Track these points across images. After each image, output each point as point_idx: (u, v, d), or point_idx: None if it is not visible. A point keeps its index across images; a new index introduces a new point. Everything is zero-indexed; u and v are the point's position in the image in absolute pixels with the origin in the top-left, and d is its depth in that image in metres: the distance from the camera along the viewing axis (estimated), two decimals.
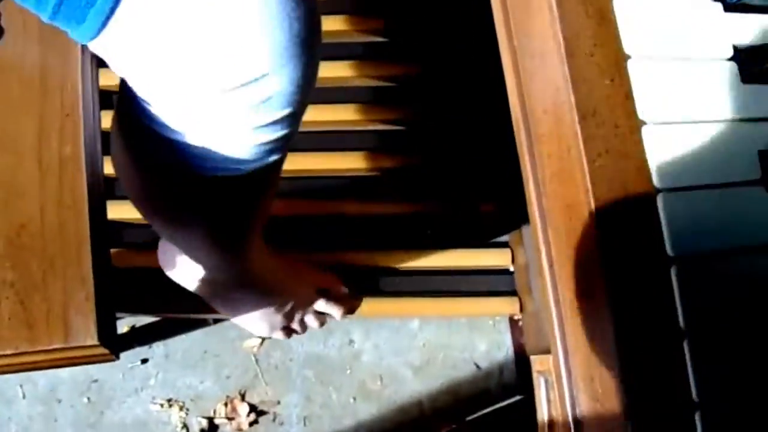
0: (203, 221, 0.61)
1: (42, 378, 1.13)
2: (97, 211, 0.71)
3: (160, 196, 0.57)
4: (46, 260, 0.66)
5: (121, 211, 1.05)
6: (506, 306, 1.04)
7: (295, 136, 0.51)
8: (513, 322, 1.15)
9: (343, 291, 0.99)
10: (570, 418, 0.52)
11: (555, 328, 0.54)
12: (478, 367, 1.16)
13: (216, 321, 1.16)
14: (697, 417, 0.50)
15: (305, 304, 0.96)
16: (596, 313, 0.52)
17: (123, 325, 1.15)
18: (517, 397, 1.12)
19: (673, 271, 0.52)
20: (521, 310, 1.03)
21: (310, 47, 0.44)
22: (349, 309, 1.00)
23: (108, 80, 1.06)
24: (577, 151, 0.53)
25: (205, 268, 0.80)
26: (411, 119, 1.10)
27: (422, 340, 1.17)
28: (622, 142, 0.53)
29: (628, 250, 0.52)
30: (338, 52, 1.11)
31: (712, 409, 0.51)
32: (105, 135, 1.06)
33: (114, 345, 0.72)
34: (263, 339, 1.16)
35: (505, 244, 1.06)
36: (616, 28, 0.55)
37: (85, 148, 0.70)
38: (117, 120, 0.53)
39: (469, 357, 1.16)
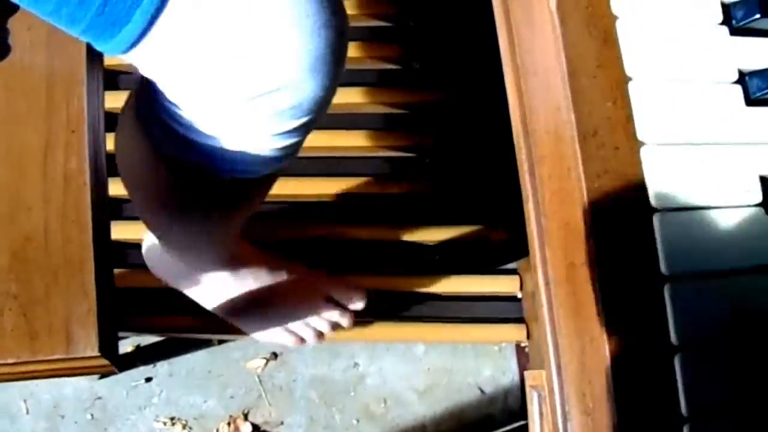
0: (205, 213, 0.61)
1: (46, 394, 1.13)
2: (100, 226, 0.72)
3: (167, 189, 0.58)
4: (49, 273, 0.67)
5: (126, 231, 1.06)
6: (513, 333, 1.04)
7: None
8: (519, 348, 1.15)
9: (352, 292, 0.98)
10: None
11: (549, 343, 0.54)
12: (482, 392, 1.15)
13: (220, 342, 1.16)
14: (686, 430, 0.51)
15: (310, 305, 0.95)
16: (589, 330, 0.52)
17: (127, 344, 1.16)
18: (521, 423, 1.12)
19: (666, 289, 0.52)
20: (528, 336, 1.03)
21: (341, 57, 0.45)
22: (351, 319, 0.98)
23: (113, 102, 1.07)
24: (577, 172, 0.54)
25: (193, 259, 0.81)
26: (422, 146, 1.11)
27: (427, 365, 1.16)
28: (622, 163, 0.53)
29: (624, 269, 0.53)
30: (352, 78, 1.12)
31: (700, 423, 0.51)
32: (110, 156, 1.08)
33: (115, 357, 0.72)
34: (267, 360, 1.16)
35: (513, 271, 1.07)
36: (618, 49, 0.55)
37: (90, 164, 0.71)
38: (134, 109, 0.54)
39: (474, 382, 1.16)
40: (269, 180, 0.58)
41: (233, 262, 0.87)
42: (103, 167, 0.74)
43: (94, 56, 0.71)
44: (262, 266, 0.89)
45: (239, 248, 0.87)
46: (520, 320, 1.04)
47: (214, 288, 0.89)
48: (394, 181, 1.09)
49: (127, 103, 0.56)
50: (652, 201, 0.53)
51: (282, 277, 0.92)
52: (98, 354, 0.65)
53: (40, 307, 0.65)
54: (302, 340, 0.96)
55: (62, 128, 0.68)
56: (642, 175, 0.53)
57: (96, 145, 0.72)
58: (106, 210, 0.71)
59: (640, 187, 0.53)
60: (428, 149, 1.11)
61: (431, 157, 1.11)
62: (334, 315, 0.96)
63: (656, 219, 0.52)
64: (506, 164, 0.93)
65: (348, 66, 1.12)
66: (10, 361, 0.64)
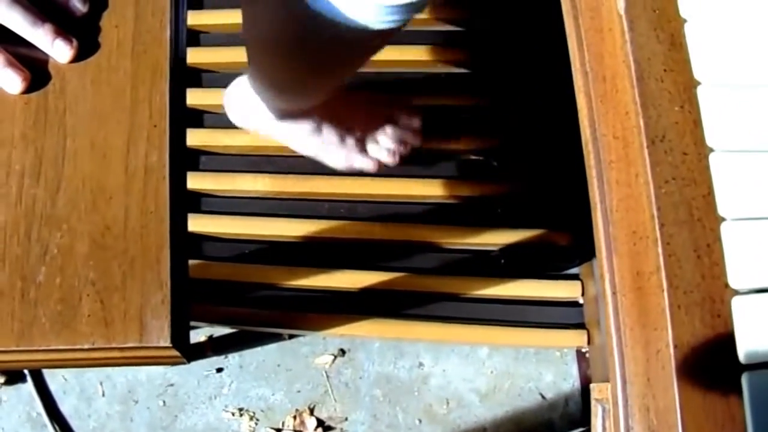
0: (321, 59, 0.64)
1: (121, 378, 1.17)
2: (177, 219, 0.73)
3: (294, 38, 0.60)
4: (126, 262, 0.67)
5: (202, 224, 1.09)
6: (574, 338, 1.04)
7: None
8: (580, 355, 1.14)
9: (411, 118, 1.03)
10: None
11: (615, 356, 0.53)
12: (543, 397, 1.15)
13: (291, 336, 1.18)
14: None
15: (375, 126, 1.00)
16: (655, 341, 0.52)
17: (201, 335, 1.18)
18: (581, 429, 1.11)
19: (734, 303, 0.51)
20: (589, 342, 1.02)
21: None
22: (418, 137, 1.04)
23: (191, 99, 1.10)
24: (645, 178, 0.53)
25: (288, 99, 0.85)
26: (490, 149, 1.11)
27: (490, 368, 1.16)
28: (690, 169, 0.53)
29: (691, 279, 0.52)
30: (421, 81, 1.14)
31: None
32: (190, 150, 1.11)
33: (186, 349, 0.74)
34: (335, 356, 1.18)
35: (575, 276, 1.06)
36: (687, 53, 0.55)
37: (170, 158, 0.73)
38: None
39: (535, 387, 1.15)
40: (382, 37, 0.60)
41: (322, 108, 0.92)
42: (183, 161, 0.76)
43: (178, 54, 0.74)
44: (342, 106, 0.96)
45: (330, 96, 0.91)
46: (581, 326, 1.04)
47: (299, 130, 0.95)
48: (462, 183, 1.10)
49: None
50: (720, 209, 0.52)
51: (354, 109, 0.98)
52: (170, 345, 0.65)
53: (117, 294, 0.66)
54: (379, 162, 1.01)
55: (145, 123, 0.70)
56: (711, 182, 0.53)
57: (177, 139, 0.74)
58: (184, 203, 0.73)
59: (709, 194, 0.53)
60: (496, 152, 1.11)
61: (499, 160, 1.11)
62: (399, 133, 1.02)
63: (724, 228, 0.52)
64: (573, 168, 0.93)
65: (417, 69, 1.14)
66: (86, 346, 0.65)
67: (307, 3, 0.53)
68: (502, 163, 1.11)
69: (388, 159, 1.01)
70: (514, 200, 1.10)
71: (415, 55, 1.13)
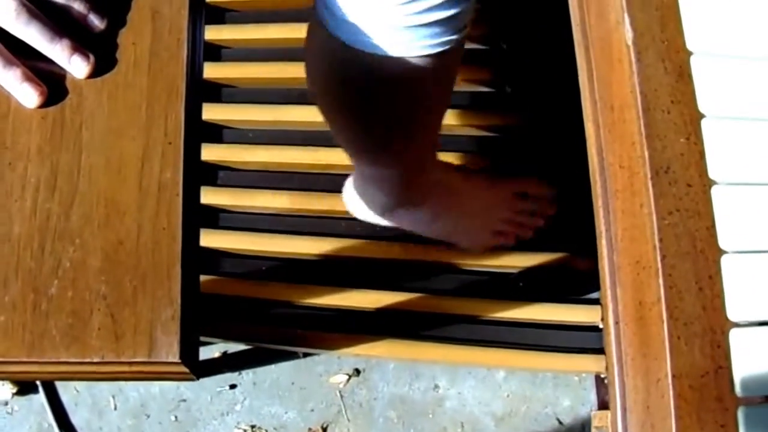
0: (393, 108, 0.64)
1: (134, 392, 1.18)
2: (190, 236, 0.73)
3: (356, 89, 0.61)
4: (138, 277, 0.67)
5: (220, 240, 1.10)
6: (593, 363, 1.03)
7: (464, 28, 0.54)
8: (599, 380, 1.13)
9: (543, 189, 1.03)
10: None
11: (615, 384, 0.54)
12: (560, 422, 1.14)
13: (305, 355, 1.19)
14: None
15: (506, 205, 1.00)
16: (655, 370, 0.52)
17: (215, 350, 1.19)
18: None
19: (732, 336, 0.51)
20: (607, 368, 1.01)
21: None
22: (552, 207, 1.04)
23: (210, 114, 1.12)
24: (649, 208, 0.53)
25: (393, 186, 0.85)
26: (509, 172, 1.11)
27: (506, 391, 1.16)
28: (694, 201, 0.53)
29: (691, 310, 0.52)
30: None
31: None
32: (204, 165, 1.12)
33: (195, 365, 0.74)
34: (350, 376, 1.18)
35: (596, 301, 1.05)
36: (693, 85, 0.55)
37: (184, 176, 0.73)
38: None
39: (552, 412, 1.14)
40: (436, 77, 0.60)
41: (432, 197, 0.91)
42: (197, 177, 0.76)
43: (194, 72, 0.74)
44: (455, 193, 0.96)
45: (434, 166, 0.90)
46: (600, 351, 1.03)
47: (417, 219, 0.95)
48: None
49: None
50: (721, 243, 0.52)
51: (472, 195, 0.97)
52: (179, 361, 0.65)
53: (127, 309, 0.66)
54: (512, 237, 1.02)
55: (160, 140, 0.70)
56: (713, 214, 0.53)
57: (191, 157, 0.74)
58: (196, 220, 0.73)
59: (712, 227, 0.52)
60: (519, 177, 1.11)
61: None
62: (528, 206, 1.02)
63: (724, 261, 0.52)
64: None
65: None
66: (95, 360, 0.65)
67: (342, 43, 0.54)
68: None
69: (522, 235, 1.02)
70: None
71: None
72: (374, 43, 0.53)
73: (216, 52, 1.19)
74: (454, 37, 0.54)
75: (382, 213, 0.95)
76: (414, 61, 0.54)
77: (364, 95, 0.62)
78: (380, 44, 0.53)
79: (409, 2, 0.49)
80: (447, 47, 0.54)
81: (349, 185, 0.98)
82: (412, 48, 0.53)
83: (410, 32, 0.51)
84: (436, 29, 0.52)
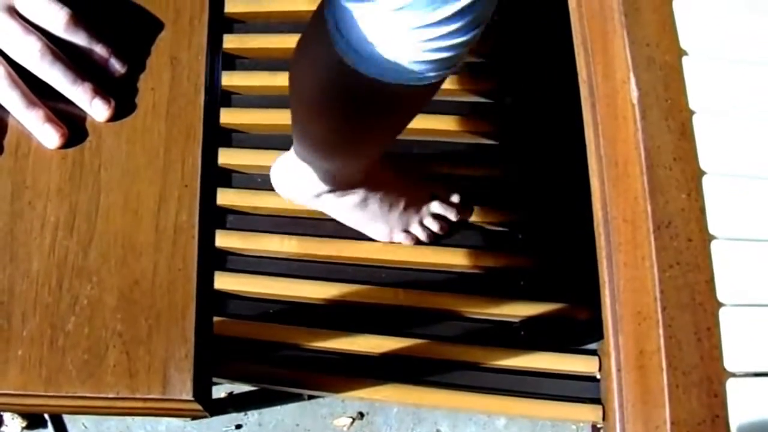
0: (367, 117, 0.67)
1: (141, 429, 1.18)
2: (204, 278, 0.74)
3: (340, 96, 0.64)
4: (153, 316, 0.69)
5: (228, 282, 1.12)
6: (590, 413, 1.04)
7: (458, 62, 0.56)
8: (595, 429, 1.14)
9: (454, 197, 1.08)
10: None
11: (617, 430, 0.55)
12: None
13: (310, 397, 1.19)
14: None
15: (420, 204, 1.05)
16: (654, 418, 0.53)
17: (221, 391, 1.20)
18: None
19: (728, 385, 0.52)
20: (604, 418, 1.03)
21: None
22: (462, 215, 1.09)
23: (226, 159, 1.14)
24: (650, 261, 0.55)
25: (336, 161, 0.87)
26: (516, 222, 1.13)
27: None
28: (694, 255, 0.55)
29: (690, 361, 0.53)
30: (444, 148, 1.17)
31: None
32: (219, 209, 1.14)
33: (208, 403, 0.75)
34: (354, 419, 1.19)
35: (593, 352, 1.07)
36: (694, 143, 0.57)
37: (200, 219, 0.74)
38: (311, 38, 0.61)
39: None
40: (423, 98, 0.63)
41: (370, 181, 0.96)
42: (212, 222, 0.78)
43: (211, 118, 0.76)
44: (389, 182, 1.00)
45: (376, 167, 0.95)
46: (597, 401, 1.04)
47: (345, 202, 0.99)
48: (486, 254, 1.11)
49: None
50: (720, 296, 0.54)
51: (401, 185, 1.02)
52: (192, 398, 0.66)
53: (142, 347, 0.68)
54: (417, 239, 1.07)
55: (176, 183, 0.72)
56: (712, 268, 0.55)
57: (207, 201, 0.75)
58: (211, 262, 0.74)
59: (711, 280, 0.54)
60: (522, 225, 1.13)
61: (524, 233, 1.13)
62: (441, 209, 1.08)
63: (722, 313, 0.54)
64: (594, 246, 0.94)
65: (444, 138, 1.17)
66: (111, 395, 0.66)
67: (351, 64, 0.56)
68: (527, 236, 1.13)
69: (426, 237, 1.06)
70: (537, 273, 1.11)
71: (442, 124, 1.16)
72: (397, 76, 0.55)
73: (227, 97, 1.22)
74: (463, 57, 0.56)
75: (311, 196, 0.99)
76: (413, 87, 0.57)
77: (361, 109, 0.65)
78: (402, 76, 0.55)
79: (430, 39, 0.52)
80: (454, 69, 0.57)
81: (280, 164, 1.01)
82: (428, 77, 0.56)
83: (429, 64, 0.54)
84: (449, 54, 0.54)
